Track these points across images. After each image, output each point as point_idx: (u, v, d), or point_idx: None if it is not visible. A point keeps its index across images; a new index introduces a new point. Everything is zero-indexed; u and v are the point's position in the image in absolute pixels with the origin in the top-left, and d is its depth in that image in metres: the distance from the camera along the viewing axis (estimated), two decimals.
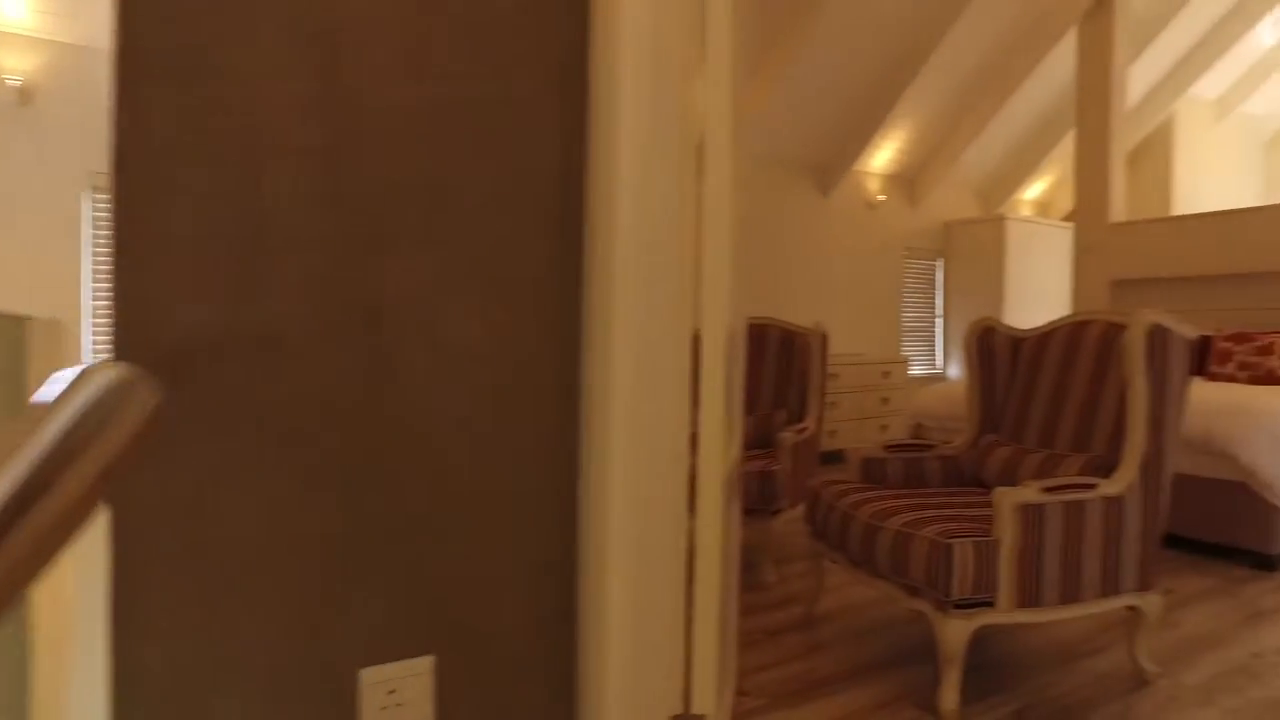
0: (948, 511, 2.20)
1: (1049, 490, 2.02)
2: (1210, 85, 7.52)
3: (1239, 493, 3.30)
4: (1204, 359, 4.90)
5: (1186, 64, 6.85)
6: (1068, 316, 2.62)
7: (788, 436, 3.10)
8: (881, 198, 6.62)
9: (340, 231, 1.10)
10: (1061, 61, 6.12)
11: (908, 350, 6.98)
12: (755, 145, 5.74)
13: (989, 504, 2.31)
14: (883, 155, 6.47)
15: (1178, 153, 7.44)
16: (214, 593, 1.04)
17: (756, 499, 3.01)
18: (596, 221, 1.22)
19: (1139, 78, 6.57)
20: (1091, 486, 2.08)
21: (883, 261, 6.72)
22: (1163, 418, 2.16)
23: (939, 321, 7.20)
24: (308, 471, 1.09)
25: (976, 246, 7.00)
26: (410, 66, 1.14)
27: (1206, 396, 3.69)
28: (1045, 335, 2.66)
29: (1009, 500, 1.97)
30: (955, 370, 7.15)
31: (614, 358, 1.20)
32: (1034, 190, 7.80)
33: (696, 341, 1.34)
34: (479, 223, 1.19)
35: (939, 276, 7.19)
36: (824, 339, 3.53)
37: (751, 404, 3.69)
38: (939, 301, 7.19)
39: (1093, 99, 5.79)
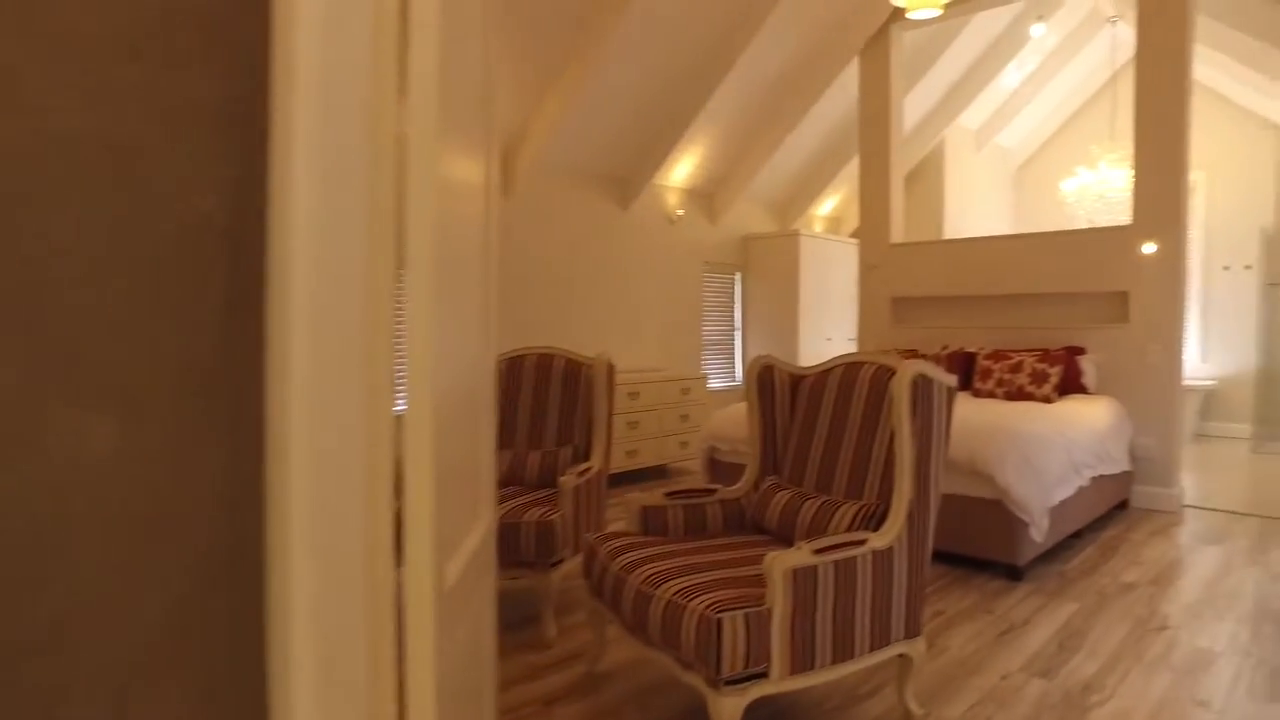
0: (723, 573, 2.10)
1: (820, 551, 1.96)
2: (972, 118, 8.19)
3: (996, 510, 3.50)
4: (970, 375, 5.25)
5: (953, 97, 7.40)
6: (842, 357, 2.62)
7: (569, 480, 2.92)
8: (680, 212, 6.64)
9: None
10: (851, 86, 6.39)
11: (708, 363, 7.07)
12: (552, 158, 5.55)
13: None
14: (682, 170, 6.48)
15: (948, 177, 8.05)
16: None
17: (534, 552, 2.80)
18: (271, 289, 0.95)
19: (915, 107, 7.02)
20: (861, 543, 2.04)
21: (683, 275, 6.75)
22: (927, 467, 2.17)
23: (738, 334, 7.35)
24: None
25: (773, 261, 7.20)
26: None
27: (969, 417, 3.91)
28: (822, 375, 2.64)
29: (780, 566, 1.89)
30: None
31: (291, 460, 0.94)
32: (826, 207, 8.17)
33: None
34: (95, 301, 0.89)
35: (738, 290, 7.34)
36: (610, 371, 3.38)
37: (537, 439, 3.49)
38: (738, 315, 7.34)
39: (873, 127, 6.09)
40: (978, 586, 3.44)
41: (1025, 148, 9.25)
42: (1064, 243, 5.23)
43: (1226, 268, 7.87)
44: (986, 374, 4.94)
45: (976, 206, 8.58)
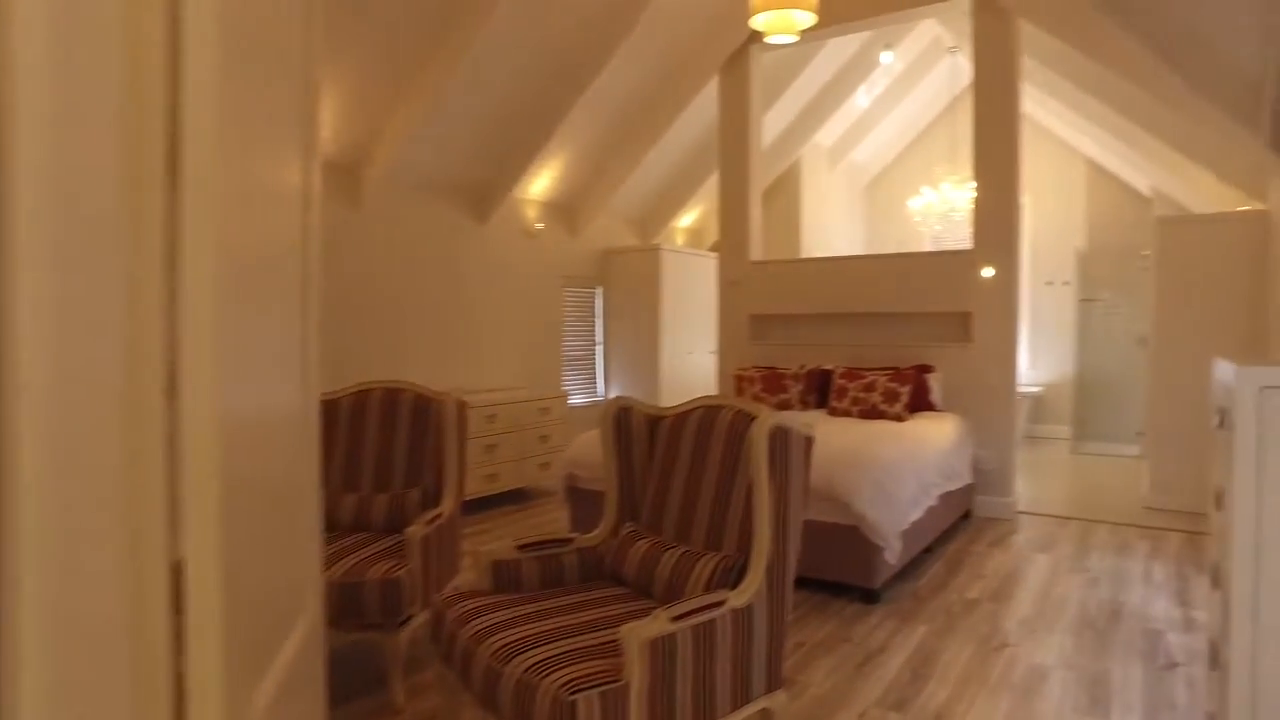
0: (578, 640, 1.98)
1: (678, 618, 1.87)
2: (826, 135, 8.47)
3: (852, 535, 3.56)
4: (827, 393, 5.38)
5: (809, 115, 7.61)
6: (701, 399, 2.56)
7: (416, 531, 2.72)
8: (540, 226, 6.48)
9: None
10: (712, 102, 6.42)
11: (570, 380, 6.95)
12: (406, 169, 5.27)
13: (629, 615, 2.14)
14: (542, 182, 6.33)
15: (804, 192, 8.28)
16: None
17: (380, 612, 2.59)
18: None
19: (773, 124, 7.16)
20: (719, 604, 1.98)
21: (543, 291, 6.60)
22: (786, 520, 2.14)
23: (599, 349, 7.27)
24: None
25: (634, 275, 7.16)
26: None
27: (826, 442, 3.96)
28: (681, 417, 2.57)
29: (637, 638, 1.79)
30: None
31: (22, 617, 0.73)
32: (687, 219, 8.22)
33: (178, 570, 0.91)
34: None
35: (599, 305, 7.25)
36: (460, 408, 3.20)
37: (384, 481, 3.25)
38: (599, 330, 7.26)
39: (733, 143, 6.15)
40: (836, 612, 3.49)
41: (875, 164, 9.67)
42: (913, 265, 5.45)
43: (1049, 283, 8.50)
44: (842, 392, 5.07)
45: (832, 221, 8.89)
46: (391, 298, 5.35)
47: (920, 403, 5.03)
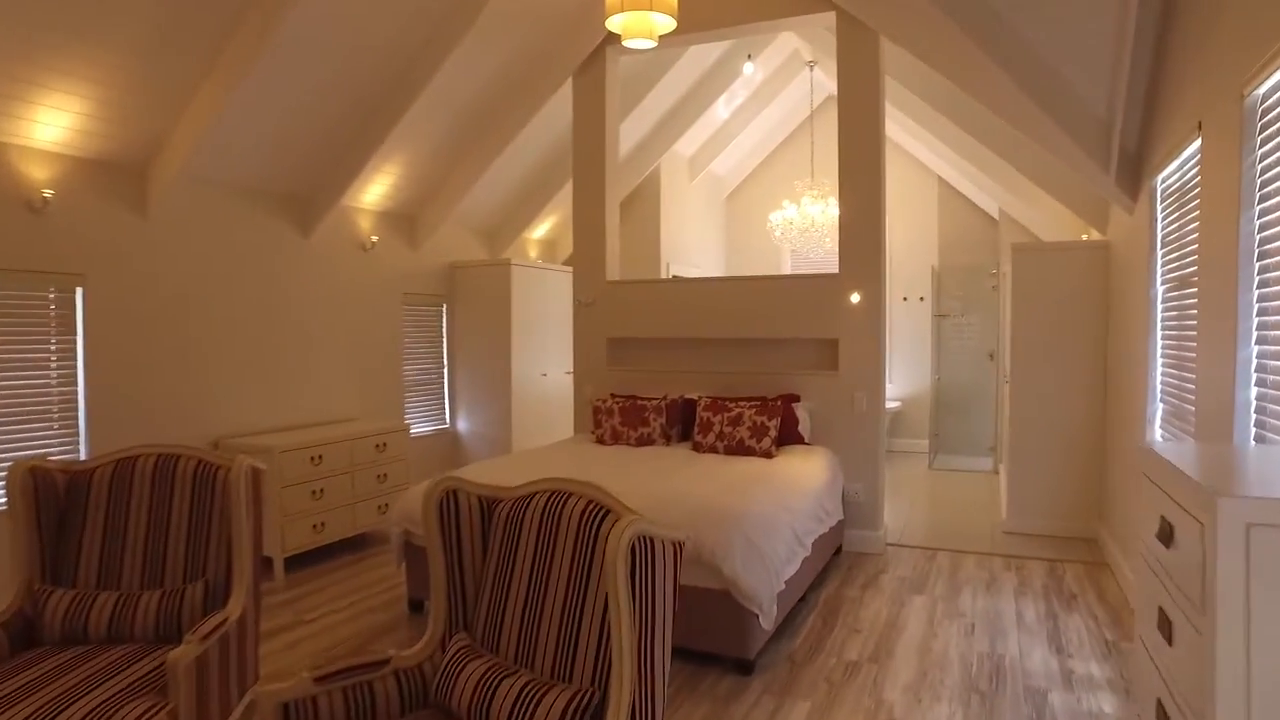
0: None
1: None
2: (687, 145, 8.18)
3: (723, 601, 3.19)
4: (691, 425, 5.02)
5: (668, 124, 7.28)
6: (544, 482, 2.08)
7: (185, 653, 2.09)
8: (376, 239, 5.80)
9: None
10: (566, 108, 5.95)
11: (414, 407, 6.28)
12: (209, 172, 4.48)
13: None
14: (377, 190, 5.65)
15: (664, 202, 7.96)
16: None
17: None
18: None
19: (631, 132, 6.77)
20: None
21: (380, 310, 5.91)
22: (651, 647, 1.70)
23: (446, 372, 6.64)
24: None
25: (483, 291, 6.59)
26: None
27: (691, 491, 3.59)
28: (520, 503, 2.08)
29: None
30: (465, 424, 6.66)
31: None
32: (540, 230, 7.71)
33: None
34: None
35: (444, 324, 6.63)
36: (254, 478, 2.58)
37: (155, 575, 2.58)
38: (445, 351, 6.63)
39: (588, 152, 5.70)
40: (708, 690, 3.10)
41: (735, 176, 9.50)
42: (778, 288, 5.19)
43: (905, 299, 8.59)
44: (707, 426, 4.72)
45: (692, 234, 8.62)
46: (193, 324, 4.55)
47: (789, 434, 4.76)
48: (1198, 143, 3.01)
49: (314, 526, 4.66)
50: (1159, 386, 3.77)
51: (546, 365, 6.98)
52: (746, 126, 8.40)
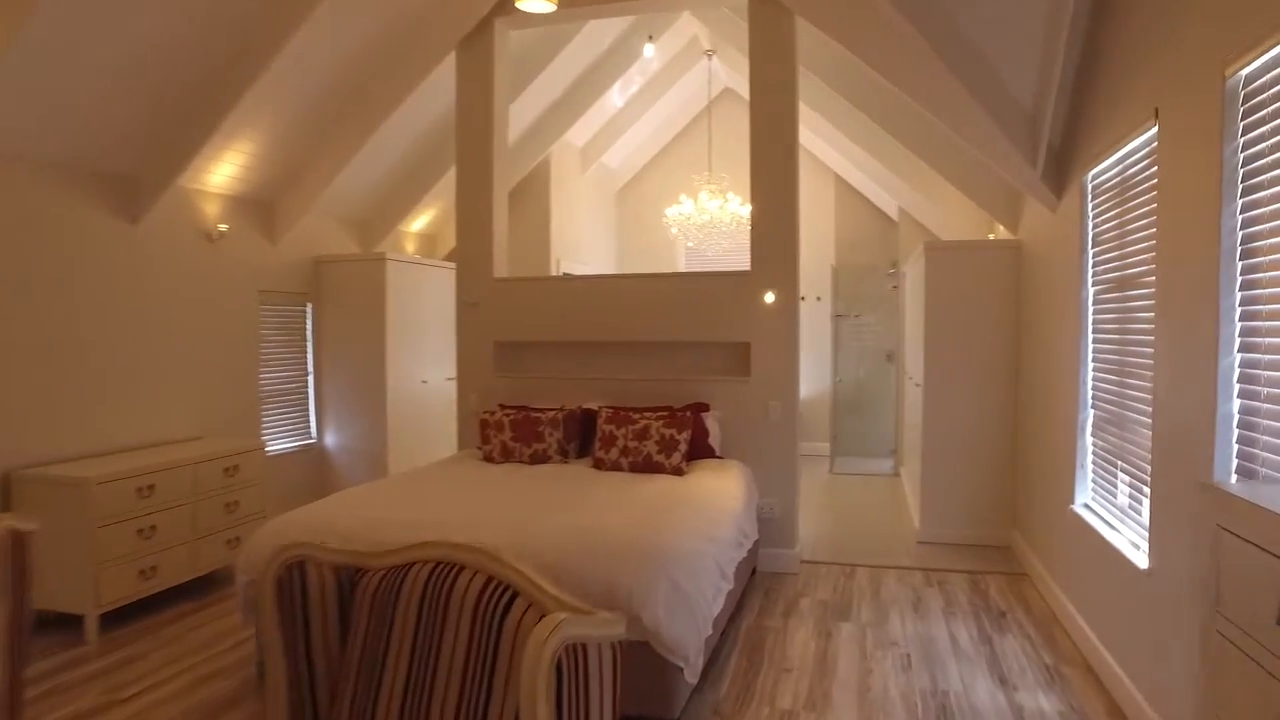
0: None
1: None
2: (578, 134, 7.68)
3: (641, 653, 2.71)
4: (590, 438, 4.53)
5: (560, 110, 6.76)
6: (425, 547, 1.54)
7: None
8: (224, 227, 5.00)
9: None
10: (448, 82, 5.33)
11: (272, 421, 5.50)
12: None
13: None
14: (224, 172, 4.86)
15: (555, 196, 7.43)
16: None
17: None
18: None
19: (520, 118, 6.21)
20: None
21: (231, 310, 5.11)
22: None
23: (310, 380, 5.88)
24: None
25: (353, 288, 5.87)
26: None
27: (604, 518, 3.11)
28: (394, 575, 1.54)
29: None
30: (334, 439, 5.92)
31: None
32: (419, 222, 7.02)
33: None
34: None
35: (309, 325, 5.87)
36: (18, 541, 1.91)
37: None
38: (310, 355, 5.87)
39: (473, 137, 5.11)
40: None
41: (628, 170, 9.07)
42: (684, 287, 4.76)
43: (804, 298, 8.39)
44: (610, 441, 4.24)
45: (584, 229, 8.12)
46: None
47: (699, 447, 4.34)
48: (1151, 132, 2.77)
49: (142, 572, 3.87)
50: (1089, 393, 3.57)
51: (426, 372, 6.32)
52: (641, 117, 7.97)
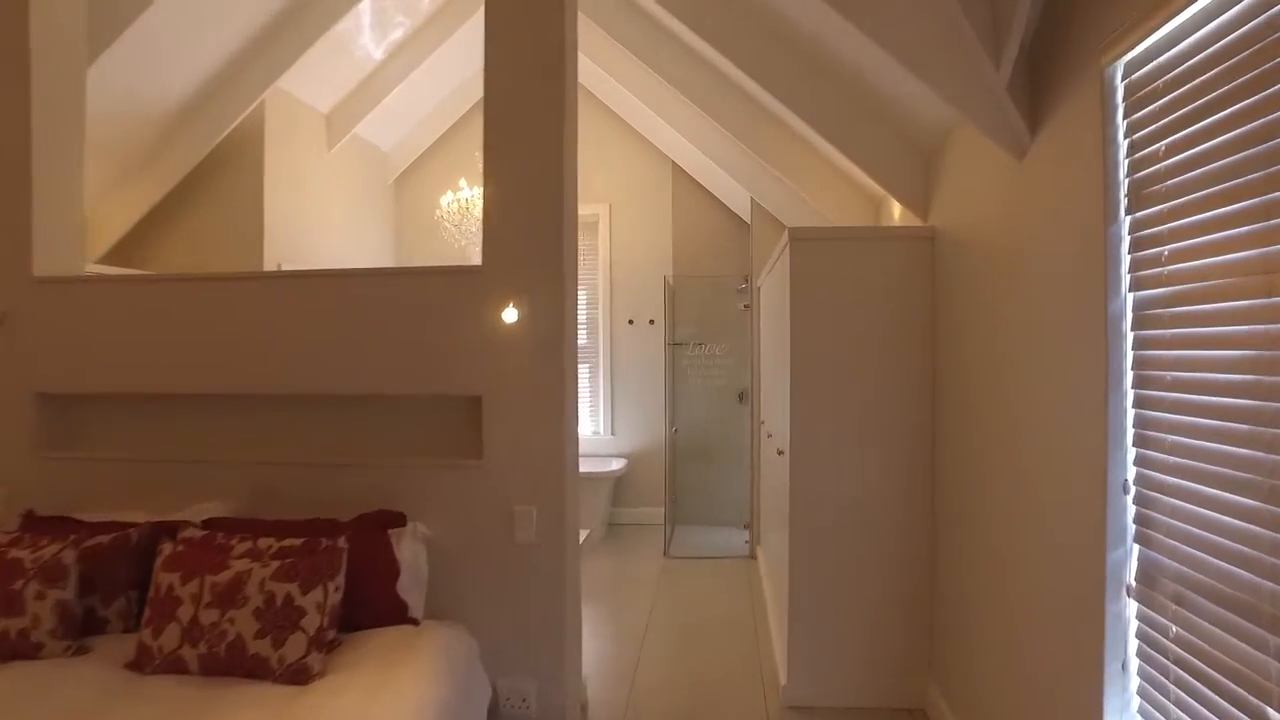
0: None
1: None
2: (319, 95, 5.41)
3: None
4: (142, 597, 2.29)
5: (265, 49, 4.54)
6: None
7: None
8: None
9: None
10: None
11: None
12: None
13: None
14: None
15: (271, 169, 5.18)
16: None
17: None
18: None
19: (207, 56, 3.95)
20: None
21: None
22: None
23: None
24: None
25: None
26: None
27: None
28: None
29: None
30: None
31: None
32: None
33: None
34: None
35: None
36: None
37: None
38: None
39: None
40: None
41: (407, 153, 6.89)
42: (368, 296, 2.66)
43: (631, 321, 6.46)
44: (169, 607, 2.05)
45: (335, 220, 5.86)
46: None
47: (375, 606, 2.23)
48: None
49: None
50: (1128, 472, 1.73)
51: None
52: (408, 77, 5.80)
